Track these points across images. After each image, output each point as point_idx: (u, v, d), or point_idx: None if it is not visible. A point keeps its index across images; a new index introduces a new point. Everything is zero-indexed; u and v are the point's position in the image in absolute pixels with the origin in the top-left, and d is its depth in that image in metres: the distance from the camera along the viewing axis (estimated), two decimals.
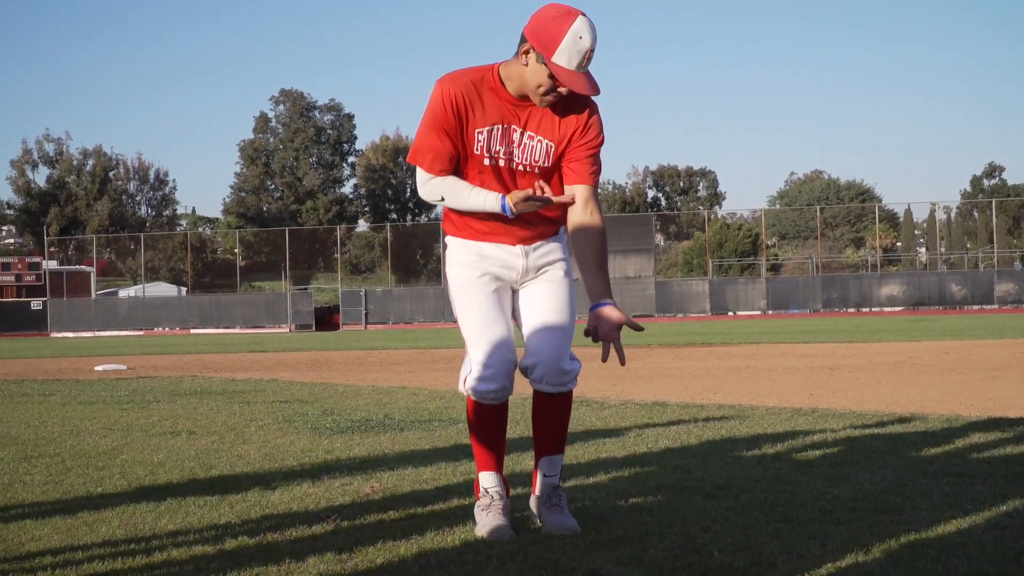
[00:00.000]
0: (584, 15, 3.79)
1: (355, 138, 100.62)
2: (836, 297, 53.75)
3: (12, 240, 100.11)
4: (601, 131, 4.05)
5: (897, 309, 52.39)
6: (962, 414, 7.46)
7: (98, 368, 17.51)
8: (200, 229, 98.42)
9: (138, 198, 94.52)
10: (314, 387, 11.97)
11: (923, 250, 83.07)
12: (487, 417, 4.04)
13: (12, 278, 59.83)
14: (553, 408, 4.06)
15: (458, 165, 4.02)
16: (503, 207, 3.91)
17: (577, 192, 4.01)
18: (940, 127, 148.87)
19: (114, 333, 55.86)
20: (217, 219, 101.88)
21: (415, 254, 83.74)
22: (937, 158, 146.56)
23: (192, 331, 55.94)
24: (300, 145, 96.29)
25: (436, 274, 72.52)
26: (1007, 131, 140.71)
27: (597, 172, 4.08)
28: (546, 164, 4.03)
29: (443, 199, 4.03)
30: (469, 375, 4.01)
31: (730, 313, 53.97)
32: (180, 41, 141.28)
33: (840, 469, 5.23)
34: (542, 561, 3.52)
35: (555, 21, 3.77)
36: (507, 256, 4.11)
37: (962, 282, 54.29)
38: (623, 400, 9.22)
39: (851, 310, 53.25)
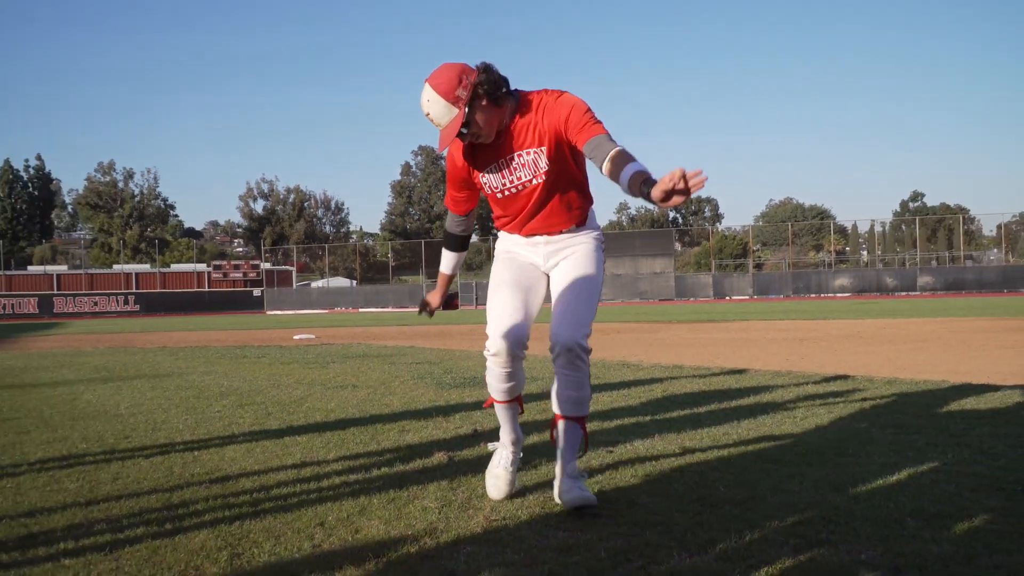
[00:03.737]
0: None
1: None
2: (802, 286, 52.33)
3: (241, 249, 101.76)
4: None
5: (846, 295, 50.85)
6: (899, 376, 7.02)
7: (296, 337, 17.56)
8: (365, 241, 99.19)
9: (323, 220, 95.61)
10: (440, 352, 11.83)
11: (865, 252, 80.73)
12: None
13: (241, 275, 60.93)
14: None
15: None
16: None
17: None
18: (878, 162, 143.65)
19: (308, 311, 56.40)
20: (377, 234, 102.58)
21: None
22: (875, 185, 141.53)
23: (360, 310, 56.26)
24: (432, 183, 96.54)
25: None
26: (928, 164, 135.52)
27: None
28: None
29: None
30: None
31: (727, 298, 52.87)
32: (347, 103, 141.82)
33: (810, 420, 4.89)
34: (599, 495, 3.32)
35: None
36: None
37: (893, 275, 52.56)
38: (652, 363, 8.94)
39: (813, 295, 51.79)
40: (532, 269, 3.43)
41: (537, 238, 3.40)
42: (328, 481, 3.65)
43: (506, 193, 3.32)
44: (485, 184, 3.35)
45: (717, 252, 70.27)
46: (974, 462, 3.65)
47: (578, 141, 3.06)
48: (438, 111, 3.07)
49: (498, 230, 3.59)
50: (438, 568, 2.50)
